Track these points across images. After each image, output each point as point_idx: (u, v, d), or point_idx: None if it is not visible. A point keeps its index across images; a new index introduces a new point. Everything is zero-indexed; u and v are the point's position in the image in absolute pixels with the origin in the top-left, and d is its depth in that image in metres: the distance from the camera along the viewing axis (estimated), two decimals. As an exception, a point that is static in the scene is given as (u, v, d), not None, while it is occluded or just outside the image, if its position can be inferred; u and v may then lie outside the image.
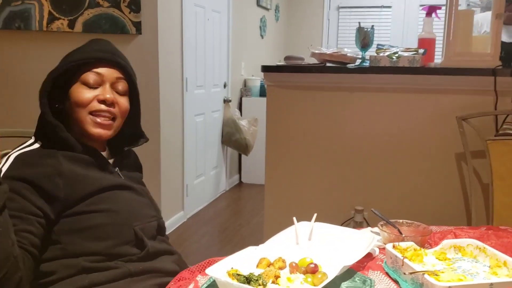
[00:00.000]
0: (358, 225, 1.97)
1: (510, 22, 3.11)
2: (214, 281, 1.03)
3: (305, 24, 6.54)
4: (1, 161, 1.07)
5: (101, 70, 1.26)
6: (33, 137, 1.28)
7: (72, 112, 1.26)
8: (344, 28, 6.41)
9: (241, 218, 4.21)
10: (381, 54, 2.32)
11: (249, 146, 4.77)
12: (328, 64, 2.44)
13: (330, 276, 0.99)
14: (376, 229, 1.33)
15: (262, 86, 5.16)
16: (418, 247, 1.14)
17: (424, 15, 2.49)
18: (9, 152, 1.23)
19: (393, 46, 2.45)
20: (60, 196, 1.15)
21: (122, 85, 1.30)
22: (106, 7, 3.25)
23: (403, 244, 1.14)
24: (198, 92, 4.16)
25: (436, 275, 0.99)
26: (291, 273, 1.04)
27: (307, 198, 2.55)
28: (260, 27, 5.61)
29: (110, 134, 1.29)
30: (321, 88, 2.47)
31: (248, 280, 0.95)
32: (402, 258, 1.05)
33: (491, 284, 0.95)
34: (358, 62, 2.42)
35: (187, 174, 4.04)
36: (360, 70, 2.35)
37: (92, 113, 1.25)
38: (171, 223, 3.74)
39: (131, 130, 1.39)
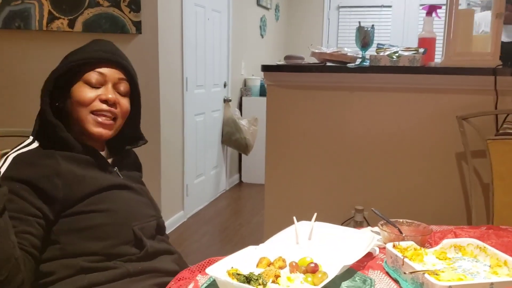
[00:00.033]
0: (358, 225, 1.96)
1: (509, 21, 3.10)
2: (214, 280, 1.03)
3: (305, 23, 6.53)
4: (0, 160, 1.07)
5: (104, 70, 1.26)
6: (31, 137, 1.27)
7: (73, 111, 1.25)
8: (344, 28, 6.40)
9: (241, 217, 4.21)
10: (381, 54, 2.32)
11: (249, 146, 4.77)
12: (328, 64, 2.44)
13: (330, 276, 0.98)
14: (376, 228, 1.33)
15: (262, 86, 5.16)
16: (418, 247, 1.14)
17: (424, 15, 2.49)
18: (8, 152, 1.22)
19: (393, 46, 2.45)
20: (59, 197, 1.15)
21: (123, 86, 1.30)
22: (106, 6, 3.25)
23: (403, 244, 1.14)
24: (198, 91, 4.16)
25: (437, 274, 0.98)
26: (291, 273, 1.04)
27: (307, 197, 2.55)
28: (260, 27, 5.60)
29: (110, 134, 1.29)
30: (321, 88, 2.46)
31: (248, 279, 0.95)
32: (402, 257, 1.05)
33: (492, 283, 0.95)
34: (358, 61, 2.41)
35: (187, 174, 4.04)
36: (360, 69, 2.35)
37: (93, 112, 1.25)
38: (171, 223, 3.74)
39: (131, 132, 1.39)
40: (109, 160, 1.33)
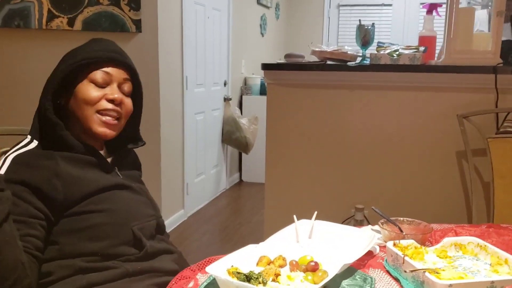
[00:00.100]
0: (358, 223, 1.96)
1: (505, 20, 3.09)
2: (214, 279, 1.02)
3: (306, 22, 6.53)
4: (0, 160, 1.07)
5: (110, 70, 1.26)
6: (28, 136, 1.26)
7: (77, 110, 1.25)
8: (344, 26, 6.40)
9: (241, 216, 4.21)
10: (382, 52, 2.32)
11: (249, 145, 4.77)
12: (328, 62, 2.43)
13: (331, 274, 0.98)
14: (376, 227, 1.33)
15: (262, 84, 5.16)
16: (418, 245, 1.14)
17: (425, 13, 2.48)
18: (7, 151, 1.22)
19: (393, 44, 2.44)
20: (58, 198, 1.15)
21: (128, 86, 1.30)
22: (105, 5, 3.24)
23: (403, 242, 1.14)
24: (198, 90, 4.16)
25: (437, 273, 0.98)
26: (291, 271, 1.03)
27: (307, 196, 2.54)
28: (261, 25, 5.60)
29: (114, 134, 1.29)
30: (322, 86, 2.46)
31: (248, 278, 0.95)
32: (402, 256, 1.05)
33: (492, 282, 0.95)
34: (358, 60, 2.41)
35: (187, 173, 4.04)
36: (361, 68, 2.34)
37: (99, 112, 1.24)
38: (172, 222, 3.74)
39: (130, 132, 1.39)
40: (109, 160, 1.33)
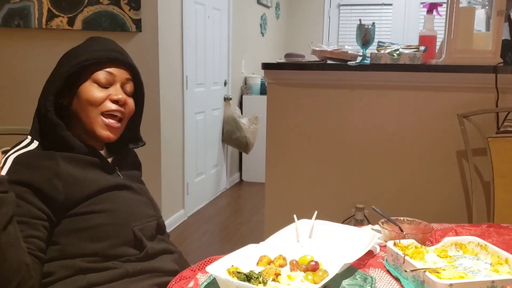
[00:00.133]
0: (359, 223, 1.96)
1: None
2: (214, 279, 1.02)
3: (306, 21, 6.53)
4: (1, 160, 1.06)
5: (113, 70, 1.25)
6: (29, 137, 1.26)
7: (81, 111, 1.24)
8: (344, 26, 6.40)
9: (242, 216, 4.21)
10: (382, 52, 2.32)
11: (249, 144, 4.77)
12: (328, 62, 2.43)
13: (331, 274, 0.98)
14: (377, 226, 1.33)
15: (262, 84, 5.16)
16: (419, 245, 1.14)
17: (425, 12, 2.48)
18: (8, 150, 1.22)
19: (394, 44, 2.44)
20: (59, 199, 1.14)
21: (130, 86, 1.30)
22: (105, 4, 3.24)
23: (404, 242, 1.14)
24: (198, 90, 4.16)
25: (437, 272, 0.98)
26: (291, 271, 1.03)
27: (307, 196, 2.54)
28: (261, 25, 5.60)
29: (116, 137, 1.29)
30: (322, 86, 2.46)
31: (248, 278, 0.95)
32: (403, 255, 1.05)
33: (493, 281, 0.95)
34: (359, 59, 2.41)
35: (188, 172, 4.04)
36: (361, 67, 2.34)
37: (103, 113, 1.24)
38: (172, 222, 3.74)
39: (130, 132, 1.38)
40: (109, 160, 1.33)
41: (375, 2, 6.18)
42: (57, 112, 1.24)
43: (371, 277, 1.05)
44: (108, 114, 1.25)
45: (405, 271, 1.03)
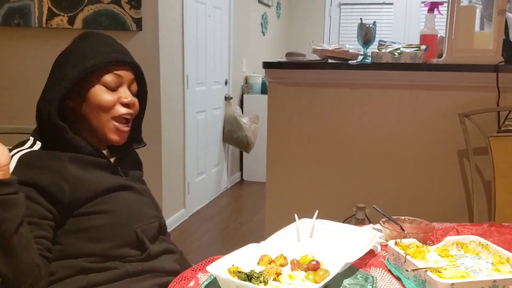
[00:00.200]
0: (360, 222, 1.96)
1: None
2: (215, 278, 1.02)
3: (307, 21, 6.52)
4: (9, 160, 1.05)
5: (121, 72, 1.24)
6: (31, 138, 1.24)
7: (91, 114, 1.22)
8: (345, 25, 6.39)
9: (242, 216, 4.21)
10: (383, 51, 2.31)
11: (250, 144, 4.77)
12: (329, 61, 2.43)
13: (332, 273, 0.98)
14: (378, 226, 1.32)
15: (263, 83, 5.16)
16: (420, 244, 1.14)
17: (426, 11, 2.47)
18: (9, 150, 1.21)
19: (395, 43, 2.44)
20: (65, 200, 1.14)
21: (134, 86, 1.29)
22: (106, 3, 3.24)
23: (405, 241, 1.14)
24: (199, 89, 4.15)
25: (439, 272, 0.98)
26: (292, 270, 1.03)
27: (308, 195, 2.54)
28: (262, 24, 5.59)
29: (125, 140, 1.29)
30: (323, 85, 2.45)
31: (249, 277, 0.95)
32: (404, 255, 1.05)
33: (494, 281, 0.94)
34: (360, 58, 2.41)
35: (188, 172, 4.03)
36: (362, 66, 2.34)
37: (115, 118, 1.23)
38: (173, 221, 3.74)
39: (133, 132, 1.38)
40: (111, 160, 1.32)
41: (376, 1, 6.18)
42: (59, 113, 1.21)
43: (372, 277, 1.05)
44: (119, 118, 1.24)
45: (407, 270, 1.03)
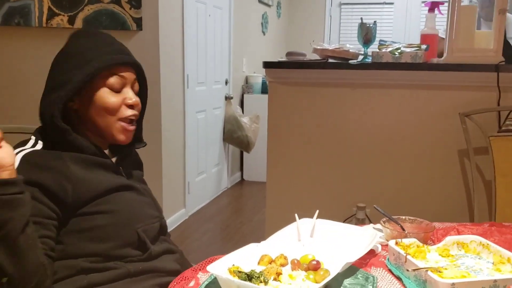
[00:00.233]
0: (360, 222, 1.96)
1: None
2: (215, 278, 1.02)
3: (307, 20, 6.52)
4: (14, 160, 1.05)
5: (124, 73, 1.24)
6: (33, 137, 1.23)
7: (97, 116, 1.22)
8: (346, 25, 6.39)
9: (243, 215, 4.21)
10: (384, 50, 2.31)
11: (250, 144, 4.76)
12: (330, 60, 2.43)
13: (332, 273, 0.98)
14: (378, 225, 1.32)
15: (263, 83, 5.15)
16: (421, 244, 1.14)
17: (427, 11, 2.47)
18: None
19: (395, 42, 2.44)
20: (68, 200, 1.14)
21: (136, 86, 1.30)
22: (106, 3, 3.24)
23: (406, 241, 1.13)
24: (199, 89, 4.15)
25: (439, 271, 0.98)
26: (293, 270, 1.03)
27: (309, 195, 2.54)
28: (262, 24, 5.59)
29: (131, 139, 1.29)
30: (323, 85, 2.45)
31: (249, 277, 0.95)
32: (405, 254, 1.05)
33: (495, 280, 0.94)
34: (360, 58, 2.40)
35: (189, 172, 4.03)
36: (362, 66, 2.34)
37: (121, 119, 1.23)
38: (173, 221, 3.74)
39: (135, 131, 1.37)
40: (113, 159, 1.32)
41: (376, 0, 6.17)
42: (62, 115, 1.20)
43: (373, 276, 1.05)
44: (126, 119, 1.24)
45: (407, 270, 1.03)
